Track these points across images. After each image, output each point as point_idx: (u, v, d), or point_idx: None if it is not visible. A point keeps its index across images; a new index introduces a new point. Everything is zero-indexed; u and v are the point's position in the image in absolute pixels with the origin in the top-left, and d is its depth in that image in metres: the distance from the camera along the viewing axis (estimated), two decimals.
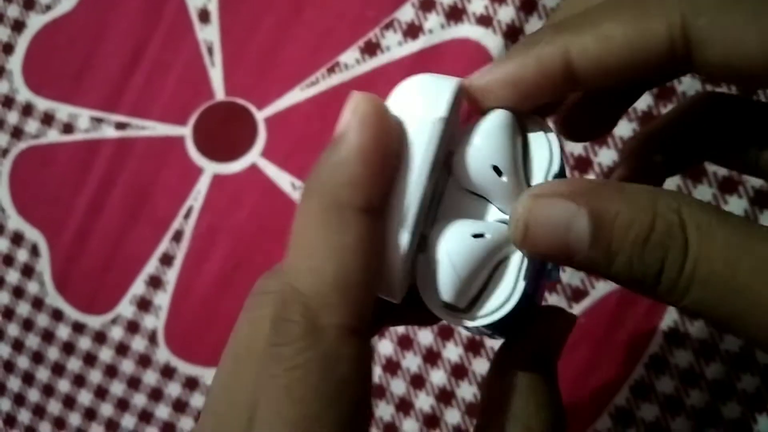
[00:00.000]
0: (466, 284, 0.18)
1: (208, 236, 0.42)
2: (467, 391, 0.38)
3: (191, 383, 0.42)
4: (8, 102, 0.44)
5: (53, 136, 0.44)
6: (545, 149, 0.19)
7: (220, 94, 0.41)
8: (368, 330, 0.17)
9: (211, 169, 0.41)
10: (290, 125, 0.40)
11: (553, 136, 0.19)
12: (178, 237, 0.42)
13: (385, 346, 0.39)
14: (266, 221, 0.41)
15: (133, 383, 0.43)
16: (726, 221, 0.16)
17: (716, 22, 0.17)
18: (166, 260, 0.42)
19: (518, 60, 0.18)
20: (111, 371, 0.43)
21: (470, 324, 0.19)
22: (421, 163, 0.17)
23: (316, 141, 0.40)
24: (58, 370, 0.44)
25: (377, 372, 0.39)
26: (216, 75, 0.41)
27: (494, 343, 0.37)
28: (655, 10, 0.18)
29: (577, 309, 0.37)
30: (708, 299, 0.16)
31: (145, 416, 0.42)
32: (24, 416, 0.44)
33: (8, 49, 0.44)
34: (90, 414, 0.43)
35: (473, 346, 0.38)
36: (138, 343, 0.42)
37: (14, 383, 0.44)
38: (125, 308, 0.43)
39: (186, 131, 0.42)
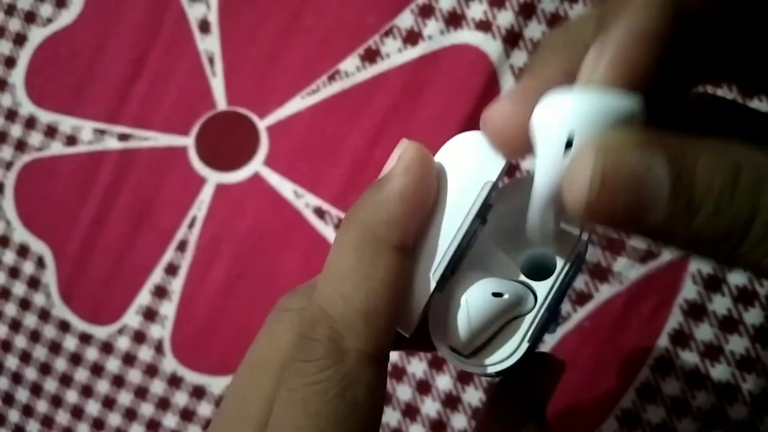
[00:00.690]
0: (476, 336, 0.20)
1: (213, 245, 0.42)
2: (473, 396, 0.38)
3: (198, 392, 0.42)
4: (11, 115, 0.44)
5: (57, 148, 0.44)
6: None
7: (221, 103, 0.41)
8: (386, 359, 0.19)
9: (214, 178, 0.42)
10: (292, 133, 0.40)
11: None
12: (182, 247, 0.42)
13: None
14: (269, 229, 0.41)
15: (141, 393, 0.43)
16: None
17: None
18: (171, 270, 0.42)
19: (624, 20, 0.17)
20: (118, 381, 0.43)
21: (471, 370, 0.20)
22: (461, 219, 0.19)
23: (317, 149, 0.40)
24: (65, 380, 0.44)
25: None
26: (217, 85, 0.41)
27: None
28: None
29: (581, 312, 0.37)
30: None
31: (153, 425, 0.43)
32: (33, 427, 0.44)
33: (10, 62, 0.45)
34: (98, 424, 0.43)
35: None
36: (145, 353, 0.43)
37: (22, 394, 0.45)
38: (131, 318, 0.43)
39: (188, 141, 0.42)
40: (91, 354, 0.43)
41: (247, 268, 0.41)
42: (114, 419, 0.43)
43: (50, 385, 0.44)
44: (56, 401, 0.44)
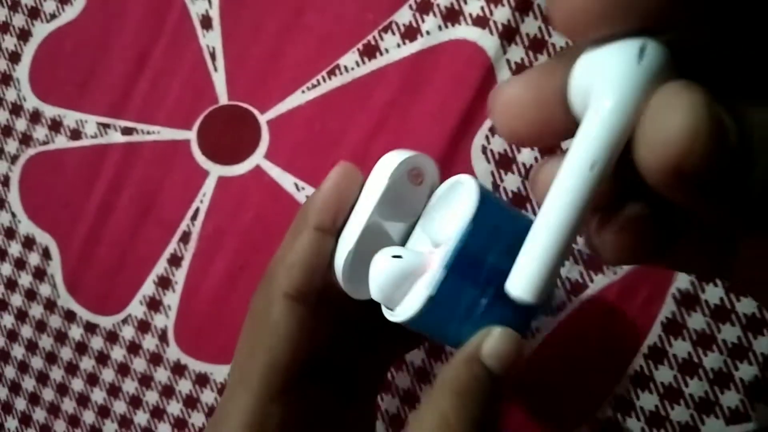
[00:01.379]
0: (385, 290, 0.25)
1: (215, 237, 0.42)
2: None
3: (201, 380, 0.43)
4: (16, 109, 0.45)
5: (61, 142, 0.45)
6: (469, 200, 0.25)
7: (223, 98, 0.42)
8: (304, 301, 0.27)
9: (216, 171, 0.42)
10: (293, 128, 0.41)
11: (473, 188, 0.25)
12: (185, 238, 0.43)
13: None
14: (271, 221, 0.42)
15: (145, 381, 0.44)
16: None
17: None
18: (175, 261, 0.43)
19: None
20: (123, 370, 0.44)
21: (389, 318, 0.26)
22: (367, 206, 0.27)
23: (317, 142, 0.41)
24: (71, 369, 0.45)
25: None
26: (219, 80, 0.42)
27: None
28: None
29: (576, 302, 0.38)
30: None
31: (158, 413, 0.43)
32: (39, 415, 0.45)
33: (15, 57, 0.45)
34: (104, 412, 0.44)
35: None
36: (149, 342, 0.43)
37: (29, 383, 0.45)
38: (136, 308, 0.44)
39: (191, 135, 0.43)
40: (97, 343, 0.44)
41: (249, 260, 0.42)
42: (119, 407, 0.44)
43: (56, 373, 0.45)
44: (62, 389, 0.45)
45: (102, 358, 0.44)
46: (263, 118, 0.42)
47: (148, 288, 0.43)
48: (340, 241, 0.27)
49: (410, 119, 0.39)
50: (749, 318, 0.36)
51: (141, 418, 0.44)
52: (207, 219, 0.42)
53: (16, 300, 0.46)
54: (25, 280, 0.45)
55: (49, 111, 0.45)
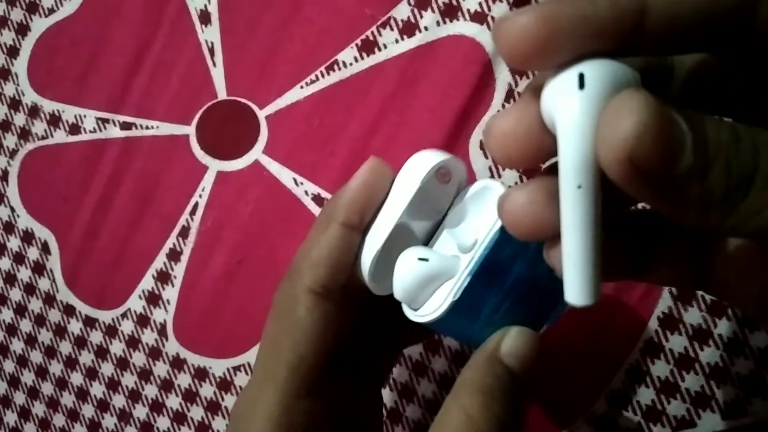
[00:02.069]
0: (410, 291, 0.26)
1: (214, 231, 0.43)
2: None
3: (200, 374, 0.43)
4: (15, 104, 0.45)
5: (60, 136, 0.45)
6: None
7: (222, 93, 0.42)
8: (329, 297, 0.27)
9: (215, 166, 0.42)
10: (291, 123, 0.41)
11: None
12: (184, 233, 0.43)
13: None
14: (269, 216, 0.42)
15: (144, 375, 0.44)
16: None
17: None
18: (174, 255, 0.43)
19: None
20: (122, 364, 0.44)
21: (411, 318, 0.26)
22: (397, 206, 0.27)
23: (316, 138, 0.41)
24: (70, 363, 0.45)
25: None
26: (218, 75, 0.42)
27: None
28: None
29: None
30: None
31: (157, 406, 0.44)
32: (38, 409, 0.45)
33: (13, 51, 0.45)
34: (103, 405, 0.44)
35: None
36: (148, 337, 0.44)
37: (28, 377, 0.46)
38: (135, 303, 0.44)
39: (190, 130, 0.43)
40: (96, 337, 0.44)
41: (248, 254, 0.42)
42: (118, 401, 0.44)
43: (55, 367, 0.45)
44: (61, 383, 0.45)
45: (101, 353, 0.44)
46: (262, 114, 0.42)
47: (147, 282, 0.44)
48: (367, 238, 0.27)
49: (408, 115, 0.39)
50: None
51: (140, 412, 0.44)
52: (206, 214, 0.43)
53: (15, 294, 0.46)
54: (24, 274, 0.46)
55: (48, 105, 0.45)
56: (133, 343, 0.44)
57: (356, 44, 0.40)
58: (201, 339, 0.43)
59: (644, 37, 0.17)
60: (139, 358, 0.44)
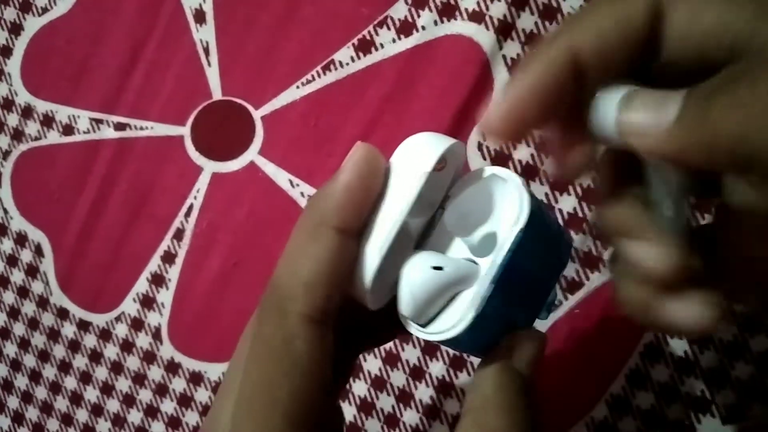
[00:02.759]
0: (422, 306, 0.22)
1: (209, 234, 0.42)
2: (466, 382, 0.38)
3: (195, 378, 0.42)
4: (8, 104, 0.45)
5: (54, 137, 0.44)
6: (516, 203, 0.22)
7: (217, 93, 0.42)
8: (328, 322, 0.22)
9: (210, 167, 0.42)
10: (287, 123, 0.41)
11: (524, 192, 0.22)
12: (179, 235, 0.42)
13: (371, 364, 0.39)
14: (265, 218, 0.41)
15: (139, 379, 0.43)
16: None
17: None
18: (168, 258, 0.43)
19: (525, 75, 0.21)
20: (117, 368, 0.44)
21: (425, 338, 0.22)
22: (401, 205, 0.22)
23: (312, 138, 0.40)
24: (64, 367, 0.44)
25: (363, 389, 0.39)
26: (213, 75, 0.42)
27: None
28: None
29: (572, 300, 0.37)
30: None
31: (151, 411, 0.43)
32: (32, 413, 0.45)
33: (6, 51, 0.45)
34: (97, 410, 0.44)
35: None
36: (142, 340, 0.43)
37: (21, 381, 0.45)
38: (129, 306, 0.43)
39: (185, 131, 0.42)
40: (90, 341, 0.44)
41: (243, 256, 0.41)
42: (113, 405, 0.44)
43: (49, 371, 0.45)
44: (55, 388, 0.45)
45: (95, 356, 0.44)
46: (257, 114, 0.41)
47: (141, 285, 0.43)
48: (364, 245, 0.22)
49: (405, 115, 0.39)
50: (746, 317, 0.36)
51: (135, 416, 0.43)
52: (201, 215, 0.42)
53: (8, 297, 0.45)
54: (17, 277, 0.45)
55: (42, 106, 0.44)
56: (127, 346, 0.43)
57: (353, 44, 0.40)
58: (196, 343, 0.42)
59: (588, 77, 0.20)
60: (133, 362, 0.43)
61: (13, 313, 0.45)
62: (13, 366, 0.45)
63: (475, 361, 0.38)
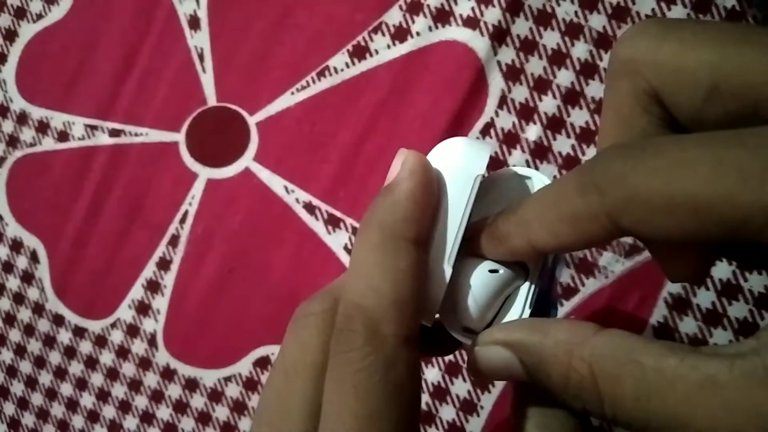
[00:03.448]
0: (484, 312, 0.22)
1: (204, 240, 0.42)
2: (461, 388, 0.38)
3: (191, 384, 0.42)
4: (3, 111, 0.45)
5: (48, 144, 0.44)
6: None
7: (212, 99, 0.42)
8: (417, 342, 0.21)
9: (205, 174, 0.42)
10: (282, 129, 0.41)
11: None
12: (174, 241, 0.42)
13: None
14: (260, 224, 0.41)
15: (134, 386, 0.43)
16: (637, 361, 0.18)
17: None
18: (164, 264, 0.43)
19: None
20: (112, 374, 0.44)
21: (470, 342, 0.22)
22: (462, 209, 0.22)
23: (307, 144, 0.40)
24: (60, 374, 0.44)
25: None
26: (207, 81, 0.42)
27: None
28: None
29: (567, 306, 0.37)
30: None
31: (147, 417, 0.43)
32: (28, 419, 0.45)
33: (1, 58, 0.45)
34: (93, 416, 0.44)
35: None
36: (138, 347, 0.43)
37: (17, 387, 0.45)
38: (124, 312, 0.43)
39: (179, 137, 0.42)
40: (85, 347, 0.44)
41: (239, 263, 0.41)
42: (108, 411, 0.44)
43: (45, 378, 0.45)
44: (51, 394, 0.45)
45: (91, 363, 0.44)
46: (252, 120, 0.41)
47: (136, 292, 0.43)
48: (430, 257, 0.22)
49: (400, 121, 0.39)
50: (741, 322, 0.36)
51: (130, 423, 0.43)
52: (196, 222, 0.42)
53: (4, 304, 0.45)
54: (12, 283, 0.45)
55: (36, 112, 0.44)
56: (122, 353, 0.43)
57: (347, 50, 0.40)
58: (191, 349, 0.42)
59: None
60: (129, 369, 0.43)
61: (9, 320, 0.45)
62: (9, 372, 0.45)
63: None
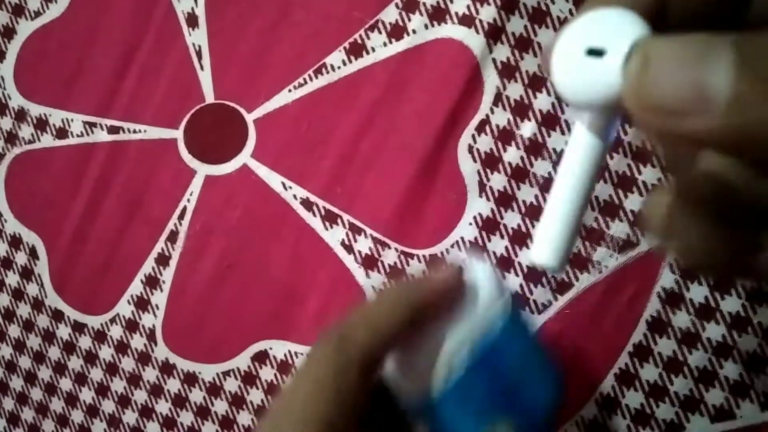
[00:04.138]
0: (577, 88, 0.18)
1: (202, 236, 0.42)
2: None
3: (190, 379, 0.43)
4: (1, 108, 0.45)
5: (47, 141, 0.44)
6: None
7: (210, 96, 0.42)
8: (376, 368, 0.27)
9: (203, 170, 0.42)
10: (279, 126, 0.41)
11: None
12: (173, 237, 0.43)
13: None
14: (258, 220, 0.41)
15: (134, 380, 0.44)
16: None
17: None
18: (162, 260, 0.43)
19: None
20: (111, 369, 0.44)
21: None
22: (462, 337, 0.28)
23: (304, 141, 0.40)
24: (59, 369, 0.45)
25: None
26: (205, 78, 0.42)
27: None
28: None
29: (562, 300, 0.38)
30: None
31: (146, 412, 0.43)
32: (27, 414, 0.45)
33: None
34: (92, 411, 0.44)
35: None
36: (137, 342, 0.43)
37: (17, 383, 0.45)
38: (124, 308, 0.44)
39: (178, 134, 0.43)
40: (85, 343, 0.44)
41: (237, 259, 0.42)
42: (108, 406, 0.44)
43: (44, 373, 0.45)
44: (50, 389, 0.45)
45: (90, 358, 0.44)
46: (250, 117, 0.41)
47: (135, 287, 0.43)
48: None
49: (397, 118, 0.39)
50: (734, 316, 0.36)
51: (130, 417, 0.44)
52: (194, 218, 0.42)
53: (4, 299, 0.45)
54: (12, 279, 0.45)
55: (35, 109, 0.45)
56: (122, 348, 0.44)
57: (344, 47, 0.40)
58: (190, 344, 0.43)
59: None
60: (128, 364, 0.44)
61: (8, 315, 0.45)
62: (8, 368, 0.45)
63: None
